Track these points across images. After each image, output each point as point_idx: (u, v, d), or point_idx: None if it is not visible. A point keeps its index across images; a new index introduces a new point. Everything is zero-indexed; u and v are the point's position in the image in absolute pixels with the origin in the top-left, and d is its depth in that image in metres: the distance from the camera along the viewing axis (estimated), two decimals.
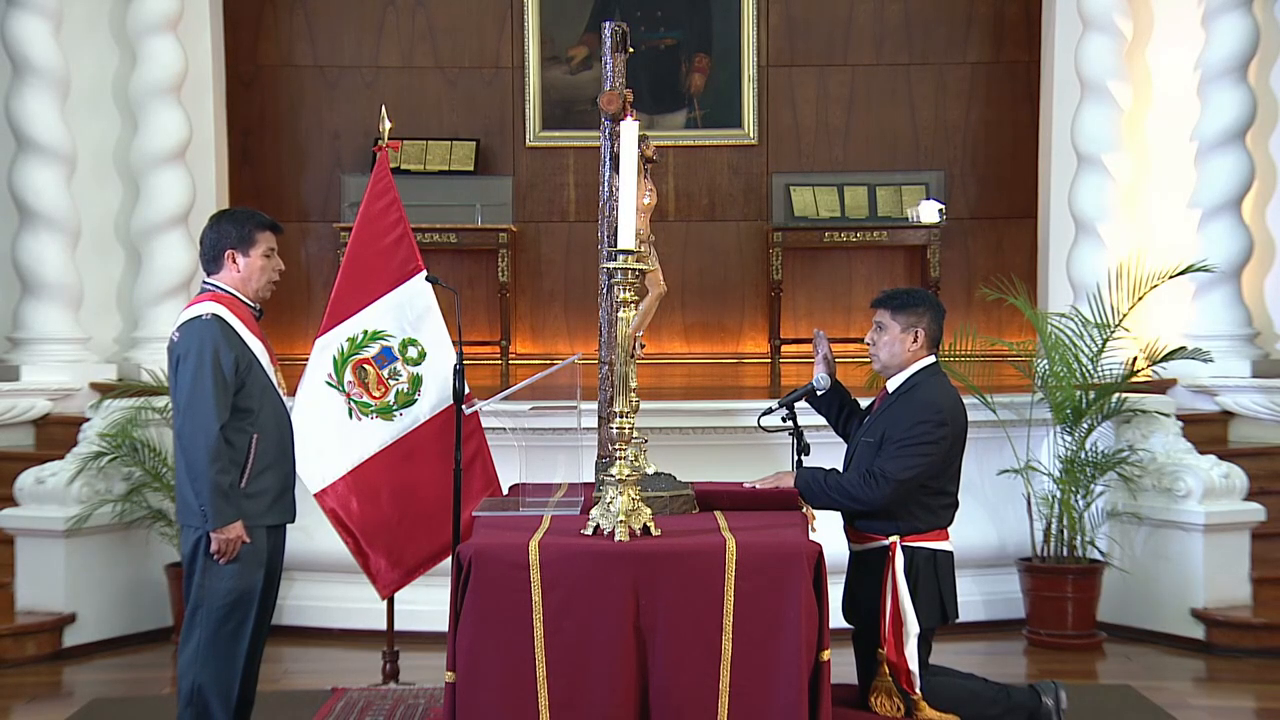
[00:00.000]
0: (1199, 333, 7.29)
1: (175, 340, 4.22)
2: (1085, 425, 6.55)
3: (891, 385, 4.60)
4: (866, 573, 4.48)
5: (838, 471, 4.51)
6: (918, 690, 4.36)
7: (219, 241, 4.33)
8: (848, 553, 4.61)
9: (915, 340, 4.55)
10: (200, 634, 4.22)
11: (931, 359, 4.58)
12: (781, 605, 3.72)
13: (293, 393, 5.03)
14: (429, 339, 5.39)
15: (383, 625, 5.54)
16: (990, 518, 6.70)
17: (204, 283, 4.38)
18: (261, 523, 4.28)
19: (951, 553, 4.54)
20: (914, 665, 4.34)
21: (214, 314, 4.20)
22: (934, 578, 4.45)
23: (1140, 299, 6.86)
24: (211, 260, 4.35)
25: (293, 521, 4.45)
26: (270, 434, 4.30)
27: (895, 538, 4.40)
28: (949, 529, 4.54)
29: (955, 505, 4.57)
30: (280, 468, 4.35)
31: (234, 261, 4.31)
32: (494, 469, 5.40)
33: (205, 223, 4.44)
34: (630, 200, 3.79)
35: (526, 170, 9.13)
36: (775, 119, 9.15)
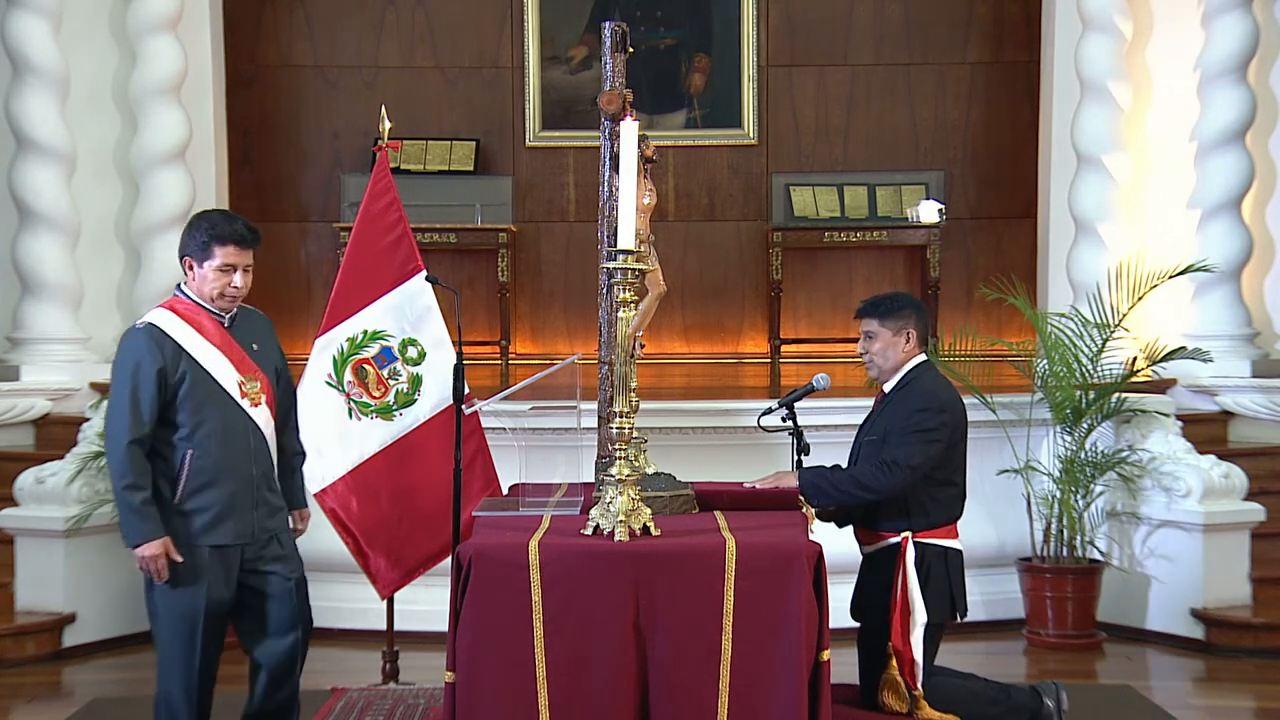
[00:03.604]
0: (1199, 333, 7.29)
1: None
2: (1085, 425, 6.55)
3: (888, 387, 4.64)
4: (878, 571, 4.52)
5: (840, 466, 4.53)
6: (919, 685, 4.37)
7: (182, 247, 4.18)
8: (859, 554, 4.64)
9: (908, 341, 4.61)
10: (157, 645, 4.17)
11: (923, 356, 4.65)
12: (781, 605, 3.72)
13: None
14: (429, 339, 5.39)
15: (383, 625, 5.55)
16: (990, 518, 6.70)
17: (177, 285, 4.25)
18: (201, 542, 4.06)
19: (961, 551, 4.59)
20: (919, 654, 4.37)
21: (150, 323, 4.07)
22: (945, 574, 4.49)
23: (1140, 299, 6.86)
24: (180, 262, 4.21)
25: (249, 543, 4.14)
26: (210, 450, 4.05)
27: (908, 533, 4.44)
28: (958, 526, 4.58)
29: (963, 496, 4.61)
30: (225, 486, 4.08)
31: (190, 269, 4.15)
32: (494, 469, 5.40)
33: None
34: (630, 200, 3.79)
35: (526, 170, 9.12)
36: (775, 119, 9.15)
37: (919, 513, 4.47)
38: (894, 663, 4.39)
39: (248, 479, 4.13)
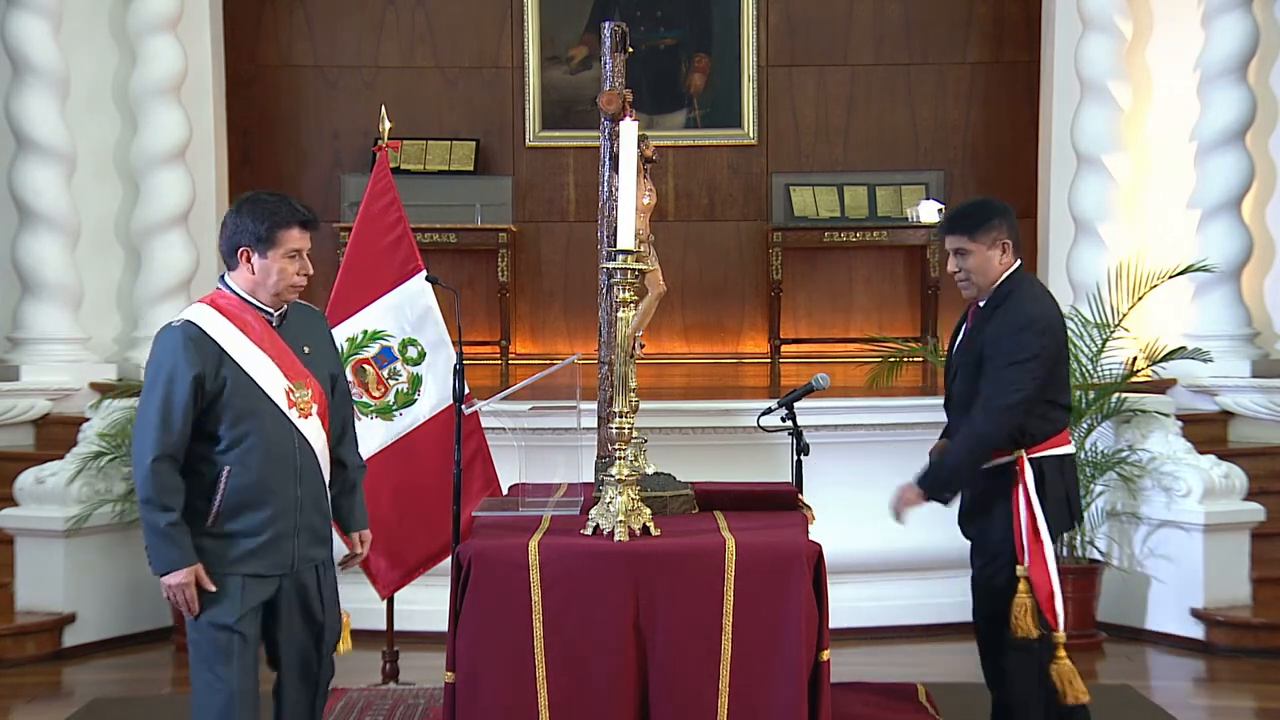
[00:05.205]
0: (1199, 333, 7.29)
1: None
2: (1085, 425, 6.55)
3: (983, 302, 4.34)
4: (993, 478, 4.27)
5: (946, 451, 4.33)
6: (1060, 623, 4.17)
7: (235, 236, 3.64)
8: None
9: (1004, 252, 4.29)
10: (191, 672, 3.73)
11: (1018, 262, 4.35)
12: (781, 605, 3.72)
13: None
14: (429, 339, 5.39)
15: (383, 625, 5.54)
16: None
17: (220, 278, 3.73)
18: (235, 570, 3.58)
19: (1074, 454, 4.43)
20: (1056, 584, 4.17)
21: (188, 320, 3.58)
22: (1060, 483, 4.29)
23: (1140, 299, 6.86)
24: (228, 255, 3.67)
25: (287, 574, 3.69)
26: (251, 467, 3.57)
27: (1020, 452, 4.22)
28: (1068, 431, 4.39)
29: (1069, 408, 4.40)
30: (265, 509, 3.60)
31: (248, 261, 3.63)
32: (494, 469, 5.40)
33: (228, 208, 3.78)
34: (630, 200, 3.79)
35: (526, 170, 9.13)
36: (775, 119, 9.15)
37: (1027, 438, 4.22)
38: (1024, 586, 4.18)
39: (291, 500, 3.64)
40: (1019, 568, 4.20)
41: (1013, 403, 4.15)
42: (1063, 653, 4.21)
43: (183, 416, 3.50)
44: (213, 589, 3.55)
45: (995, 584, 4.29)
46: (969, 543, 4.47)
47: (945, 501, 4.34)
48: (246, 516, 3.59)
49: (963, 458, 4.25)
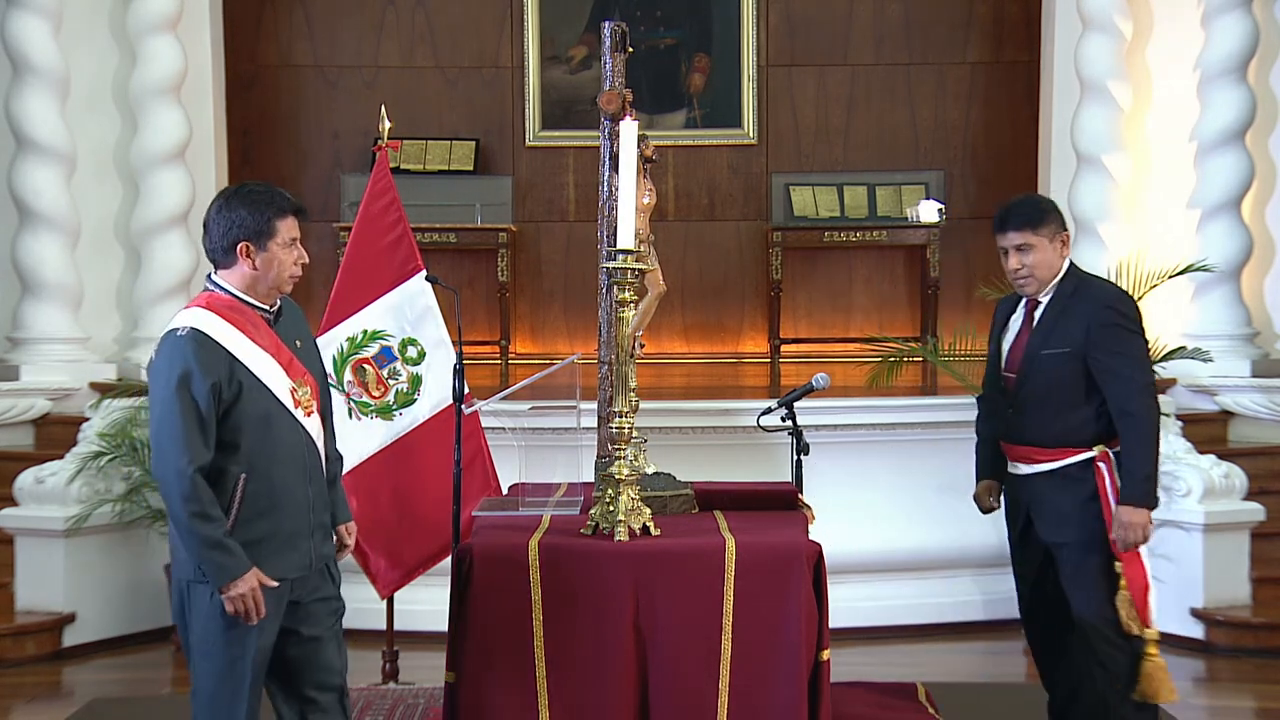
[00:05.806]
0: (1199, 332, 7.29)
1: (152, 357, 3.52)
2: None
3: (1045, 296, 4.26)
4: (1071, 482, 4.18)
5: (1124, 453, 4.16)
6: (1153, 619, 4.08)
7: (231, 231, 3.51)
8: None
9: (1065, 243, 4.25)
10: (196, 695, 3.59)
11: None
12: (781, 605, 3.72)
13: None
14: (429, 339, 5.39)
15: (383, 625, 5.55)
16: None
17: (208, 278, 3.60)
18: None
19: None
20: (1151, 579, 4.09)
21: (192, 328, 3.42)
22: None
23: (1140, 299, 6.83)
24: (223, 252, 3.54)
25: (305, 573, 3.61)
26: (266, 472, 3.48)
27: (1101, 446, 4.15)
28: None
29: None
30: (282, 512, 3.52)
31: (248, 256, 3.51)
32: (494, 469, 5.40)
33: (212, 203, 3.60)
34: (630, 200, 3.79)
35: (526, 170, 9.13)
36: (775, 119, 9.16)
37: (1106, 420, 4.12)
38: (1124, 582, 4.10)
39: (304, 501, 3.57)
40: (1116, 563, 4.11)
41: (1152, 378, 4.13)
42: (1154, 650, 4.13)
43: (211, 427, 3.39)
44: (275, 585, 3.45)
45: (1088, 576, 4.16)
46: (1012, 546, 4.44)
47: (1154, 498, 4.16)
48: (263, 522, 3.48)
49: (1152, 453, 4.08)
